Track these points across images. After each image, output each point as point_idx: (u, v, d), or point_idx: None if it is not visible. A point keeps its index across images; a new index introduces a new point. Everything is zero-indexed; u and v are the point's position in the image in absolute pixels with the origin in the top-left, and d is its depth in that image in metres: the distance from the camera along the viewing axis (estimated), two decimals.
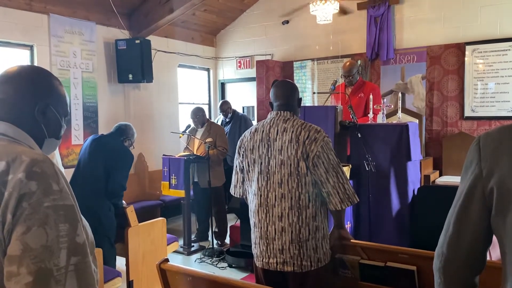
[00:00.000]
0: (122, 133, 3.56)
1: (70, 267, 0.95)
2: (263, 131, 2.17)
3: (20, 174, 0.95)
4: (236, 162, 2.30)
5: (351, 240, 2.24)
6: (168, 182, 4.83)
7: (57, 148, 3.26)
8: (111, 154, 3.37)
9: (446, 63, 5.48)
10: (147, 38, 5.96)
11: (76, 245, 0.97)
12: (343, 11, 5.94)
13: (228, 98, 7.47)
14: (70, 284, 0.94)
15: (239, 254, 4.34)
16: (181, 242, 4.84)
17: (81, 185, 3.29)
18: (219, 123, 5.94)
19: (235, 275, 4.13)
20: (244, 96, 7.44)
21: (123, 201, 3.48)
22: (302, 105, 2.50)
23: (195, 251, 4.86)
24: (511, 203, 0.94)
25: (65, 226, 0.96)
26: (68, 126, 5.24)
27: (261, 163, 2.13)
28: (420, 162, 4.09)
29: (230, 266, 4.37)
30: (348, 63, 4.49)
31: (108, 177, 3.32)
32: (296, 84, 2.45)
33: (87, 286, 0.98)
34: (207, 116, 5.64)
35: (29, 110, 1.12)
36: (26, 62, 4.92)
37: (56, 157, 3.21)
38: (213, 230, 4.95)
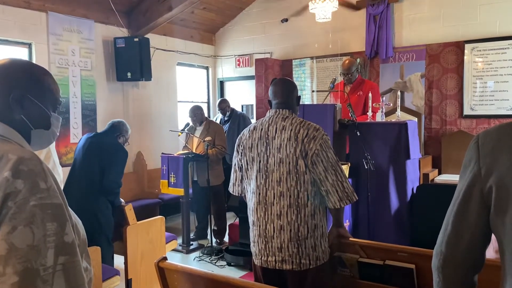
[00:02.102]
0: (116, 129, 3.56)
1: (58, 267, 0.93)
2: (261, 129, 2.16)
3: (6, 173, 0.93)
4: (235, 160, 2.29)
5: (350, 239, 2.23)
6: (167, 181, 4.82)
7: (54, 147, 3.21)
8: (105, 152, 3.38)
9: (445, 61, 5.47)
10: (146, 36, 5.95)
11: (64, 244, 0.95)
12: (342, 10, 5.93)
13: (227, 96, 7.47)
14: (58, 284, 0.92)
15: (238, 253, 4.34)
16: (180, 240, 4.84)
17: (78, 184, 3.30)
18: (218, 121, 5.93)
19: (234, 273, 4.13)
20: (243, 95, 7.44)
21: (121, 199, 3.48)
22: (301, 103, 2.49)
23: (194, 250, 4.86)
24: (510, 202, 0.93)
25: (53, 225, 0.94)
26: (66, 124, 5.23)
27: (260, 161, 2.13)
28: (419, 161, 4.09)
29: (229, 264, 4.37)
30: (347, 61, 4.48)
31: (103, 174, 3.32)
32: (295, 82, 2.44)
33: (77, 286, 0.96)
34: (206, 115, 5.63)
35: (7, 102, 1.07)
36: None
37: (53, 156, 3.20)
38: (212, 228, 4.95)
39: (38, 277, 0.90)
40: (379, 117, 4.07)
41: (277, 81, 2.29)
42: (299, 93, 2.32)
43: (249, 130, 2.23)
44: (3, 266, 0.88)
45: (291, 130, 2.08)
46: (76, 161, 3.48)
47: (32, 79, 1.12)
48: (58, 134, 1.23)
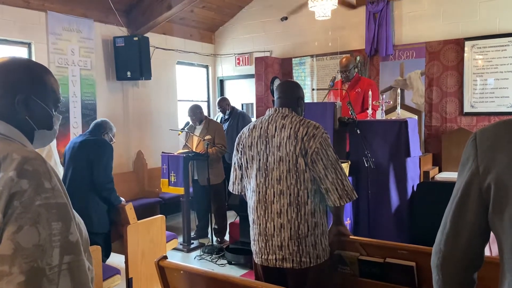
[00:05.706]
0: (100, 128, 3.60)
1: (64, 266, 0.94)
2: (261, 127, 2.16)
3: (11, 173, 0.93)
4: (235, 159, 2.29)
5: (350, 237, 2.23)
6: (167, 180, 4.83)
7: (55, 146, 3.22)
8: (91, 148, 3.41)
9: (445, 59, 5.46)
10: (145, 35, 5.94)
11: (69, 243, 0.96)
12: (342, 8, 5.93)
13: (227, 95, 7.46)
14: (64, 283, 0.93)
15: (239, 251, 4.34)
16: (180, 239, 4.85)
17: (69, 184, 3.30)
18: (218, 120, 5.93)
19: (235, 272, 4.13)
20: (243, 93, 7.43)
21: (122, 198, 3.47)
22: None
23: (195, 248, 4.86)
24: (509, 199, 0.93)
25: (58, 225, 0.95)
26: (66, 123, 5.24)
27: (260, 160, 2.13)
28: (420, 158, 4.09)
29: (229, 263, 4.37)
30: (344, 59, 4.49)
31: (92, 172, 3.33)
32: (296, 81, 2.44)
33: (81, 285, 0.97)
34: (206, 113, 5.62)
35: (12, 103, 1.07)
36: None
37: (54, 155, 3.21)
38: (213, 227, 4.95)
39: (44, 276, 0.91)
40: (379, 115, 4.07)
41: (281, 82, 2.32)
42: (302, 94, 2.30)
43: (248, 128, 2.23)
44: (10, 266, 0.89)
45: (291, 128, 2.07)
46: (66, 164, 3.52)
47: (35, 79, 1.12)
48: (57, 132, 1.23)
